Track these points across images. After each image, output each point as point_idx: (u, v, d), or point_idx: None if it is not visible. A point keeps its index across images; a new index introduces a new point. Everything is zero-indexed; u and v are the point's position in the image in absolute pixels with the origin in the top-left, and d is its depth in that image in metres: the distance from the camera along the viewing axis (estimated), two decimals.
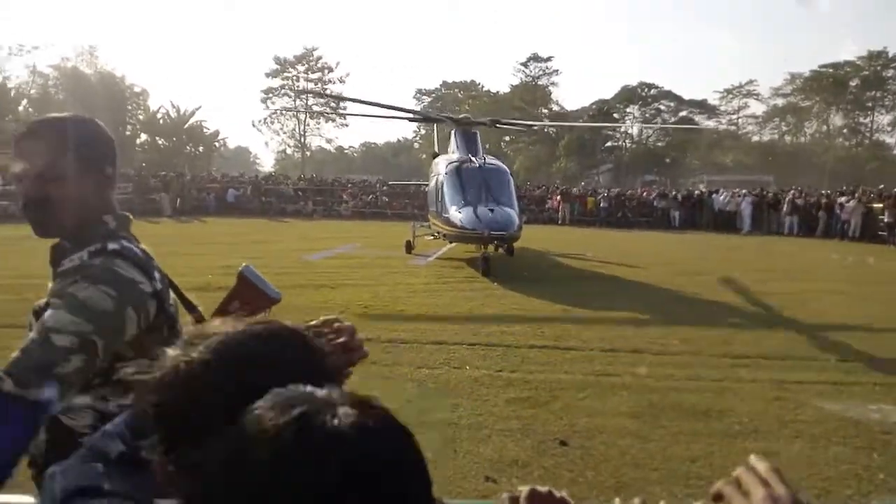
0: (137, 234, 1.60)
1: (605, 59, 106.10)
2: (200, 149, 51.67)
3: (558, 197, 29.75)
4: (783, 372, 6.33)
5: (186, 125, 49.64)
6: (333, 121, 61.07)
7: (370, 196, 31.73)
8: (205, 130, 51.61)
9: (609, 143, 61.42)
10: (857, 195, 23.84)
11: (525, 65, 65.44)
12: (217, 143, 54.19)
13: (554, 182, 45.73)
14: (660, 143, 61.48)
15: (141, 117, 50.67)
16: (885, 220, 21.00)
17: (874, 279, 13.06)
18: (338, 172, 50.90)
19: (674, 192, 30.94)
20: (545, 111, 63.59)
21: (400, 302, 9.16)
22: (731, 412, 5.24)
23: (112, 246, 1.45)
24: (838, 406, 5.47)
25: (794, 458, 4.39)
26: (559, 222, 27.94)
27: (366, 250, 15.86)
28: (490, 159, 13.80)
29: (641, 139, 62.16)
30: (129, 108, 49.89)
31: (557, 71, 65.17)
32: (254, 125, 60.61)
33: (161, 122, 50.00)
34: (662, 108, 64.41)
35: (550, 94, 65.38)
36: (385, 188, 32.64)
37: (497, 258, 12.51)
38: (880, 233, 21.64)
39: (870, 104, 60.43)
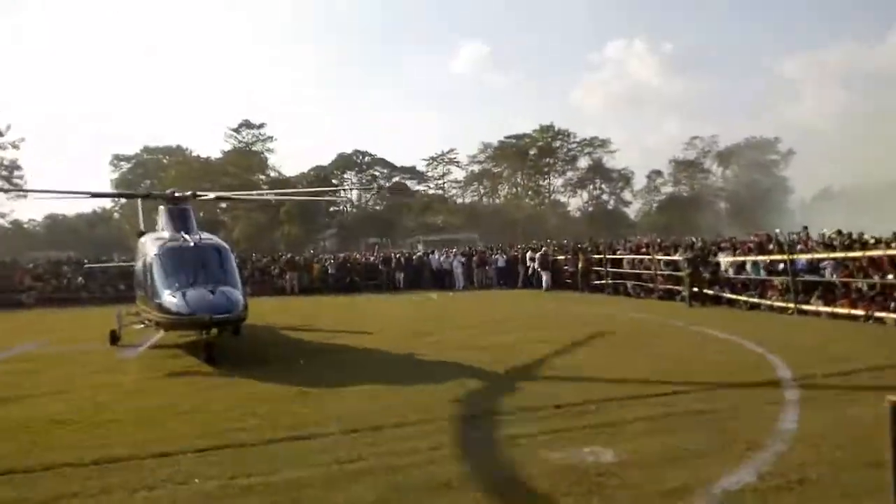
0: None
1: (318, 127, 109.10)
2: None
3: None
4: (513, 426, 6.70)
5: None
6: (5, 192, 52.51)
7: (62, 279, 27.36)
8: None
9: (332, 209, 62.72)
10: (540, 250, 27.49)
11: (237, 130, 64.17)
12: None
13: (278, 250, 44.86)
14: (378, 207, 64.74)
15: None
16: (569, 269, 24.56)
17: (567, 324, 14.97)
18: (17, 251, 43.39)
19: (397, 255, 32.51)
20: (262, 177, 62.73)
21: (106, 409, 7.81)
22: (472, 479, 5.33)
23: None
24: (559, 454, 5.92)
25: None
26: (287, 292, 27.27)
27: (58, 346, 13.50)
28: (206, 236, 12.81)
29: (362, 203, 64.76)
30: None
31: (271, 137, 65.09)
32: None
33: None
34: (377, 173, 68.29)
35: (266, 160, 64.80)
36: (80, 268, 27.99)
37: (223, 339, 11.54)
38: (566, 280, 25.19)
39: (546, 169, 72.05)
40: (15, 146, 54.72)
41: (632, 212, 74.47)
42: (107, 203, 63.73)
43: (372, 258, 31.90)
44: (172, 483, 5.33)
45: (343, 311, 19.65)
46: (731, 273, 18.25)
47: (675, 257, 20.08)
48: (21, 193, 49.06)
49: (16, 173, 55.40)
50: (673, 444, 5.92)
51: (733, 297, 17.60)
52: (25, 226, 62.05)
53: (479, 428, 6.78)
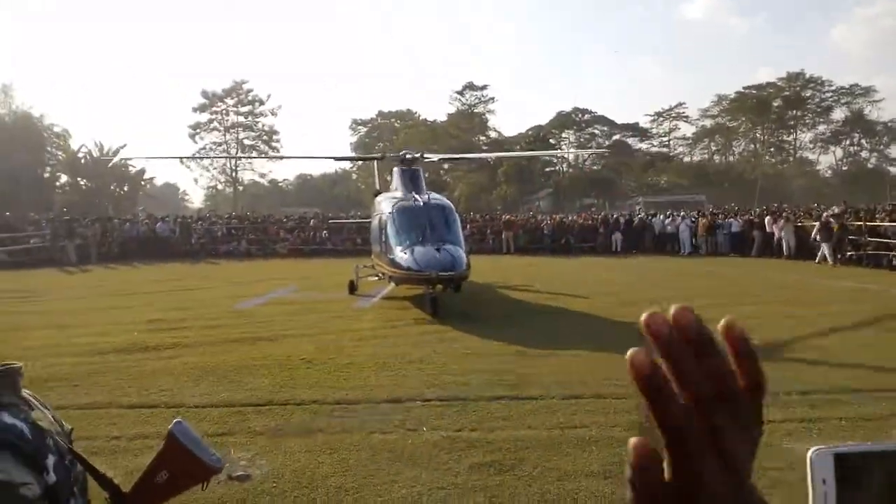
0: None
1: (538, 86, 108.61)
2: (126, 188, 49.66)
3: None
4: None
5: (110, 164, 47.62)
6: (267, 158, 60.24)
7: (309, 232, 30.63)
8: (130, 169, 49.67)
9: (547, 169, 62.41)
10: (784, 215, 24.60)
11: (461, 93, 66.15)
12: (143, 182, 52.23)
13: (495, 209, 45.91)
14: (596, 167, 62.92)
15: (61, 157, 48.34)
16: (818, 238, 21.66)
17: (818, 299, 13.24)
18: (272, 207, 49.71)
19: (615, 216, 31.38)
20: (483, 138, 64.26)
21: (346, 352, 8.59)
22: None
23: None
24: (808, 446, 5.23)
25: None
26: (504, 251, 27.82)
27: (306, 293, 15.17)
28: (434, 196, 13.42)
29: (578, 163, 63.46)
30: (49, 149, 47.58)
31: (493, 99, 66.13)
32: (182, 162, 58.76)
33: (83, 161, 47.83)
34: (597, 132, 66.18)
35: (487, 121, 66.15)
36: (324, 224, 31.19)
37: (444, 295, 12.09)
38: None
39: (792, 123, 63.69)
40: (273, 113, 62.46)
41: None
42: (347, 164, 70.10)
43: (590, 221, 31.04)
44: (404, 429, 5.66)
45: (559, 274, 19.48)
46: None
47: None
48: (278, 159, 56.11)
49: (274, 137, 63.32)
50: None
51: None
52: (280, 184, 70.72)
53: None
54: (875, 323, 10.63)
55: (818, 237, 21.01)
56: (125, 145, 49.48)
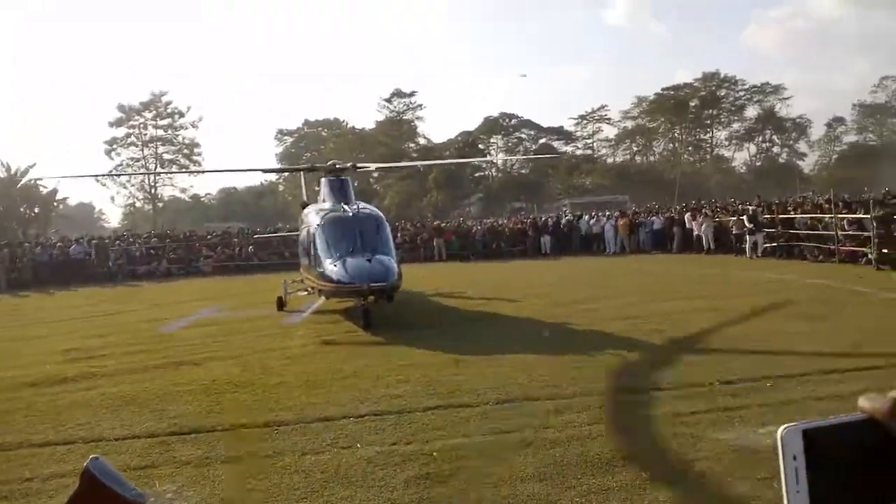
0: None
1: (465, 92, 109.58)
2: (36, 210, 47.13)
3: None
4: (676, 403, 6.27)
5: (19, 185, 45.06)
6: (188, 172, 58.47)
7: (234, 248, 29.69)
8: (41, 189, 47.14)
9: (477, 174, 63.08)
10: (704, 211, 25.64)
11: (389, 100, 66.04)
12: (55, 203, 49.67)
13: (426, 216, 46.01)
14: (524, 171, 64.05)
15: None
16: (734, 231, 22.64)
17: (739, 291, 13.83)
18: (195, 223, 48.24)
19: (543, 219, 31.96)
20: (412, 145, 64.38)
21: (275, 372, 8.35)
22: (635, 458, 5.05)
23: None
24: (731, 434, 5.44)
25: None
26: (436, 258, 27.86)
27: (232, 312, 14.74)
28: (364, 206, 13.27)
29: (507, 168, 64.43)
30: None
31: (421, 105, 66.34)
32: (97, 180, 56.17)
33: None
34: (524, 136, 67.39)
35: (416, 128, 66.30)
36: (250, 238, 30.25)
37: (377, 306, 11.97)
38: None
39: (708, 122, 66.73)
40: (194, 126, 60.63)
41: (807, 165, 67.42)
42: (272, 176, 68.68)
43: (519, 225, 31.53)
44: (337, 448, 5.54)
45: (491, 278, 19.67)
46: None
47: (862, 215, 17.84)
48: (200, 173, 54.42)
49: (195, 151, 61.45)
50: None
51: None
52: (203, 199, 68.60)
53: (639, 403, 6.43)
54: (791, 311, 11.19)
55: (747, 229, 21.08)
56: (34, 165, 47.06)
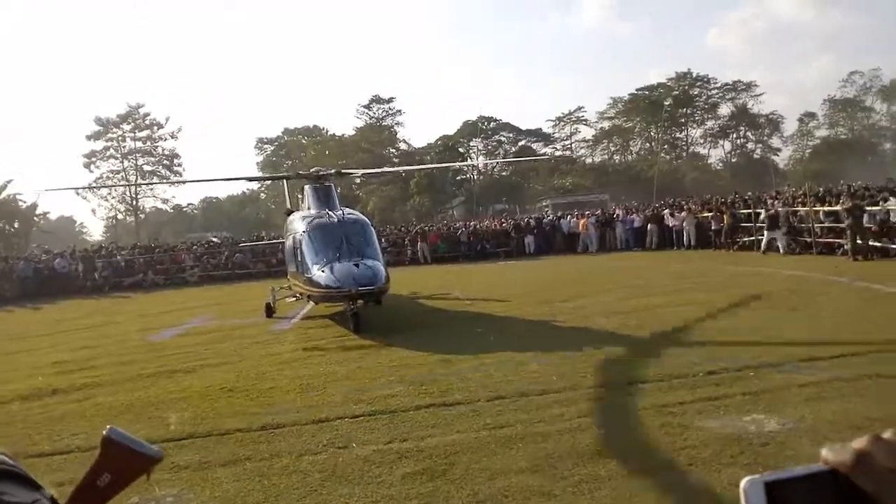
0: None
1: (444, 96, 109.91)
2: (16, 225, 46.54)
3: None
4: (664, 394, 6.45)
5: None
6: (169, 183, 58.14)
7: (219, 258, 29.64)
8: (20, 204, 46.58)
9: (459, 177, 63.30)
10: (685, 206, 26.04)
11: (368, 107, 66.08)
12: (36, 217, 49.07)
13: (409, 221, 46.10)
14: (505, 173, 64.38)
15: None
16: (713, 227, 23.01)
17: (719, 285, 14.11)
18: (178, 233, 47.95)
19: (526, 220, 32.23)
20: (393, 150, 64.43)
21: (268, 377, 8.43)
22: (624, 448, 5.21)
23: None
24: (717, 423, 5.62)
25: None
26: (420, 262, 27.96)
27: (221, 320, 14.72)
28: (349, 212, 13.36)
29: (488, 170, 64.73)
30: None
31: (400, 111, 66.47)
32: (78, 193, 55.66)
33: None
34: (503, 139, 67.79)
35: (396, 134, 66.39)
36: (235, 247, 30.29)
37: (365, 310, 12.07)
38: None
39: (683, 120, 67.63)
40: (174, 137, 60.20)
41: (781, 160, 68.54)
42: (255, 185, 68.33)
43: (503, 224, 31.80)
44: (333, 448, 5.64)
45: (476, 279, 19.83)
46: None
47: (836, 207, 18.25)
48: (181, 183, 54.04)
49: (176, 161, 61.01)
50: (848, 411, 5.42)
51: None
52: (185, 210, 68.07)
53: (627, 395, 6.59)
54: (769, 302, 11.47)
55: (768, 226, 19.83)
56: (12, 180, 46.51)
